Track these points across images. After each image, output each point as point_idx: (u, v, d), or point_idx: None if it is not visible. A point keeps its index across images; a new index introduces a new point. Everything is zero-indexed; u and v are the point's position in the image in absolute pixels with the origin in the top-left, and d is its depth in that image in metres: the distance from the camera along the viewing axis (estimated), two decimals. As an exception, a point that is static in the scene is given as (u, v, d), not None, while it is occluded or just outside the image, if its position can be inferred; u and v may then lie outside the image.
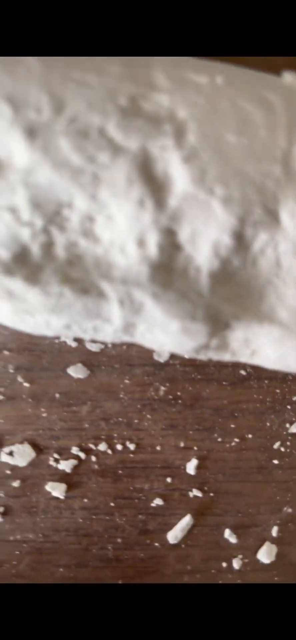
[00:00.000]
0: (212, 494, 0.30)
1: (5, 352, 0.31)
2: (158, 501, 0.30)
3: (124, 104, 0.21)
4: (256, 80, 0.23)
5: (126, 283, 0.22)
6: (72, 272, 0.22)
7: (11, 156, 0.21)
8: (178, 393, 0.31)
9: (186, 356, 0.30)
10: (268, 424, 0.31)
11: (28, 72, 0.21)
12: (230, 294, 0.22)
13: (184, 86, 0.22)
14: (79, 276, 0.22)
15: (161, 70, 0.22)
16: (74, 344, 0.31)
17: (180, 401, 0.31)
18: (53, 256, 0.22)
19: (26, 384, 0.31)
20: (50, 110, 0.20)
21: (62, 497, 0.30)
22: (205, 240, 0.21)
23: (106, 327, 0.24)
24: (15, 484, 0.30)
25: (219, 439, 0.31)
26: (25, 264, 0.22)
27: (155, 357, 0.31)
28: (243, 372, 0.31)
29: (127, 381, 0.31)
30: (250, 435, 0.31)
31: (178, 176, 0.21)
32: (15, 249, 0.21)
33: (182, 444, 0.31)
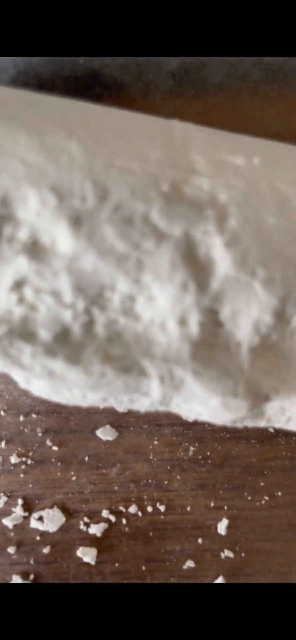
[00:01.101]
0: (243, 554, 0.30)
1: (33, 415, 0.31)
2: (189, 563, 0.30)
3: (166, 190, 0.21)
4: (291, 158, 0.23)
5: (167, 360, 0.22)
6: (112, 349, 0.22)
7: (55, 243, 0.21)
8: (208, 452, 0.31)
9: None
10: (297, 480, 0.31)
11: (71, 160, 0.21)
12: (269, 366, 0.23)
13: (223, 168, 0.22)
14: (120, 354, 0.22)
15: (199, 153, 0.22)
16: (101, 405, 0.31)
17: (209, 461, 0.31)
18: (93, 334, 0.22)
19: (55, 447, 0.31)
20: (94, 198, 0.21)
21: (93, 562, 0.30)
22: (246, 318, 0.22)
23: (143, 399, 0.24)
24: (45, 550, 0.30)
25: (249, 498, 0.31)
26: (66, 344, 0.22)
27: (184, 416, 0.31)
28: (271, 430, 0.31)
29: (156, 442, 0.31)
30: (279, 493, 0.31)
31: (221, 260, 0.21)
32: (56, 329, 0.21)
33: (212, 504, 0.30)
